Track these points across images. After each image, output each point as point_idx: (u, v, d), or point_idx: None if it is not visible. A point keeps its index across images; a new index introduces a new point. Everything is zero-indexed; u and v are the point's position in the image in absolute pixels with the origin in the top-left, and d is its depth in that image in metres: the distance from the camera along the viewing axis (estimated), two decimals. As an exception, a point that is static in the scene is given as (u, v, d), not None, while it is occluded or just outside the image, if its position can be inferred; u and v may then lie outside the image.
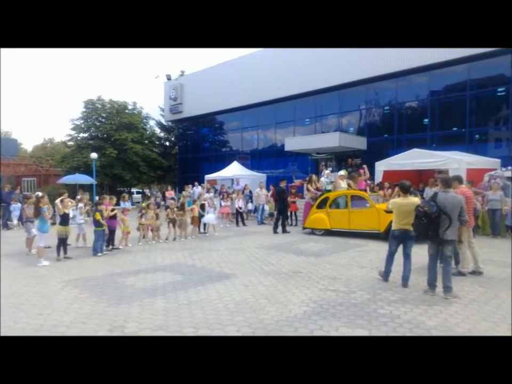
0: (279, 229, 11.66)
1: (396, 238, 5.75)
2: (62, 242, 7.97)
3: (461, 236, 5.39)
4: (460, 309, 4.56)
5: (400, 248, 5.77)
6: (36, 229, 8.07)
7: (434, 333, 3.86)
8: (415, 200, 5.63)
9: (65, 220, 8.01)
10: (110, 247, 8.93)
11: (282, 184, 12.77)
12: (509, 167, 10.77)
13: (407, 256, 5.66)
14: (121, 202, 11.59)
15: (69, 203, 8.26)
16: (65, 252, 8.03)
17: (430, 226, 4.94)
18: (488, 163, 12.32)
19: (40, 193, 8.24)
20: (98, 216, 8.29)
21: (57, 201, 8.00)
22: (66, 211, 8.04)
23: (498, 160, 12.68)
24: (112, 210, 8.97)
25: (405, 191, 5.71)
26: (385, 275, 5.88)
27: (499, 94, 14.53)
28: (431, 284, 5.20)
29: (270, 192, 14.88)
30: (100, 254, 8.25)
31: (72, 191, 17.51)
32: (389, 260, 5.84)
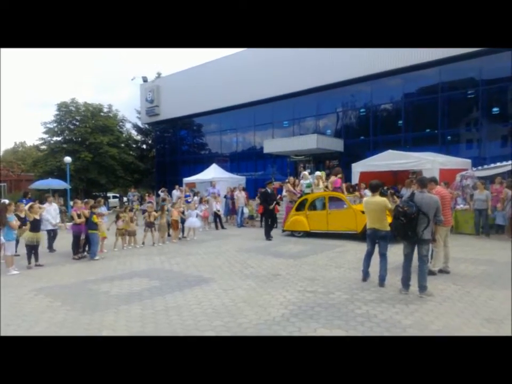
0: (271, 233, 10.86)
1: (368, 237, 5.88)
2: (33, 249, 7.69)
3: (435, 235, 5.51)
4: (434, 307, 4.66)
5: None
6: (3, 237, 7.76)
7: (410, 331, 3.92)
8: (381, 199, 5.76)
9: (35, 226, 7.73)
10: (85, 253, 8.69)
11: (269, 187, 11.65)
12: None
13: (382, 255, 5.71)
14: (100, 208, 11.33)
15: (38, 209, 7.97)
16: (36, 259, 7.75)
17: (409, 226, 5.00)
18: (459, 163, 12.69)
19: (7, 201, 7.91)
20: (95, 219, 8.37)
21: (26, 207, 7.73)
22: (37, 217, 7.76)
23: (469, 161, 13.08)
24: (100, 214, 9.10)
25: (372, 190, 5.89)
26: (363, 275, 5.96)
27: (469, 96, 15.05)
28: (405, 283, 5.29)
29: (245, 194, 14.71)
30: (97, 257, 8.32)
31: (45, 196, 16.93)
32: (366, 259, 5.93)
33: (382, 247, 5.72)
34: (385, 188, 5.81)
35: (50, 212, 9.45)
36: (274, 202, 11.46)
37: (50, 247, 9.53)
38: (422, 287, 5.13)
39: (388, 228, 5.69)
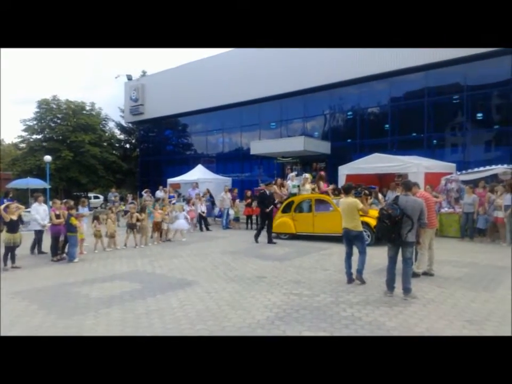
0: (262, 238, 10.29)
1: (343, 237, 6.11)
2: (10, 250, 7.42)
3: (419, 238, 5.54)
4: (419, 309, 4.66)
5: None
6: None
7: (395, 333, 3.89)
8: (352, 200, 6.03)
9: (12, 227, 7.45)
10: (64, 254, 8.44)
11: (268, 188, 10.98)
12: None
13: (360, 253, 5.95)
14: (80, 208, 11.07)
15: (15, 209, 7.67)
16: (13, 261, 7.47)
17: (393, 229, 5.03)
18: (444, 167, 12.87)
19: None
20: (74, 221, 8.09)
21: (1, 207, 7.44)
22: (14, 217, 7.47)
23: (454, 165, 13.25)
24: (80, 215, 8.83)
25: (345, 191, 6.32)
26: (347, 277, 5.98)
27: (454, 101, 15.30)
28: (389, 285, 5.29)
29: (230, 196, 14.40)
30: (76, 260, 8.07)
31: (23, 195, 16.49)
32: (346, 261, 6.03)
33: (359, 247, 5.95)
34: (358, 189, 5.92)
35: (40, 212, 8.96)
36: (272, 205, 10.84)
37: (33, 248, 9.12)
38: (406, 290, 5.14)
39: (360, 228, 5.96)
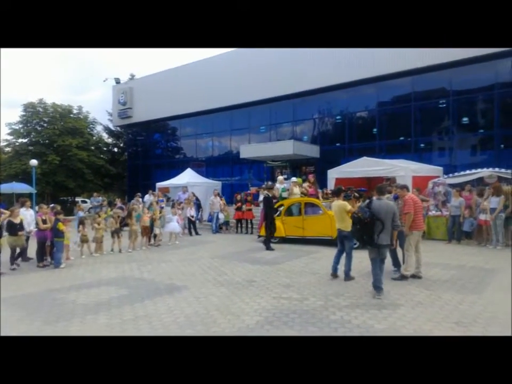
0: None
1: (337, 236, 6.58)
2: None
3: (394, 240, 5.64)
4: (407, 312, 4.69)
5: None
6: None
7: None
8: (341, 202, 6.47)
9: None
10: (49, 258, 8.30)
11: (271, 192, 10.56)
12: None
13: (347, 254, 6.36)
14: (80, 213, 11.02)
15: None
16: (-3, 267, 7.29)
17: (364, 231, 5.25)
18: (431, 171, 13.04)
19: None
20: (61, 226, 7.99)
21: None
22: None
23: (441, 168, 13.48)
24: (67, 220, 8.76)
25: (335, 195, 6.76)
26: (332, 270, 6.40)
27: (440, 106, 15.54)
28: (377, 287, 5.36)
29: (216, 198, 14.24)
30: (63, 265, 7.96)
31: (9, 200, 16.17)
32: (335, 256, 6.49)
33: (347, 247, 6.32)
34: (348, 192, 6.17)
35: (26, 217, 8.63)
36: (278, 209, 10.63)
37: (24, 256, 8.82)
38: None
39: (350, 229, 6.13)
